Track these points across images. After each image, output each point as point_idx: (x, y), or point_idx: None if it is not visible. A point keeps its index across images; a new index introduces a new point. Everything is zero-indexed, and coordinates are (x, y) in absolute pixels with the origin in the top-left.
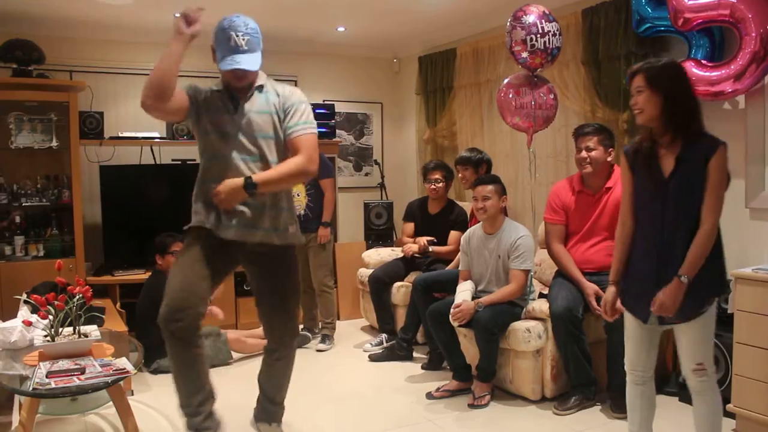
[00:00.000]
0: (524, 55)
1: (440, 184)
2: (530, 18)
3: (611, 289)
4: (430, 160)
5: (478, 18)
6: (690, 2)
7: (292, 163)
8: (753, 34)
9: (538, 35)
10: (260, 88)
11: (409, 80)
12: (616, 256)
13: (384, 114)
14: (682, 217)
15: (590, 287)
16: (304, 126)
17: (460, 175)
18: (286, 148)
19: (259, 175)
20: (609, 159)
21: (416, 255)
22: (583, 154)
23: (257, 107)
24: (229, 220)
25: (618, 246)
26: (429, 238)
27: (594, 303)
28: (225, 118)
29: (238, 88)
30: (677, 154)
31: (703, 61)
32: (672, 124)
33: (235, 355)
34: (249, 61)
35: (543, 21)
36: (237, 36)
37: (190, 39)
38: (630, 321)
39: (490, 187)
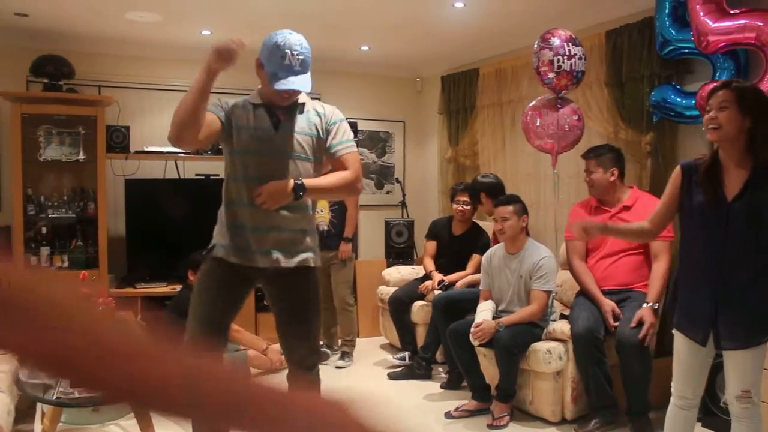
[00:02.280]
0: (551, 75)
1: (468, 207)
2: (557, 41)
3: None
4: (460, 182)
5: (501, 38)
6: (714, 25)
7: (341, 177)
8: None
9: (565, 57)
10: (301, 107)
11: (431, 99)
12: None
13: (406, 133)
14: (745, 240)
15: (607, 304)
16: (349, 144)
17: (482, 203)
18: (319, 170)
19: (309, 181)
20: (612, 179)
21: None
22: (586, 177)
23: (299, 128)
24: (261, 247)
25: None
26: (441, 278)
27: (611, 320)
28: (265, 137)
29: (278, 105)
30: (746, 178)
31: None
32: (750, 146)
33: (252, 370)
34: (302, 83)
35: (570, 44)
36: (292, 54)
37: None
38: (682, 344)
39: (510, 208)
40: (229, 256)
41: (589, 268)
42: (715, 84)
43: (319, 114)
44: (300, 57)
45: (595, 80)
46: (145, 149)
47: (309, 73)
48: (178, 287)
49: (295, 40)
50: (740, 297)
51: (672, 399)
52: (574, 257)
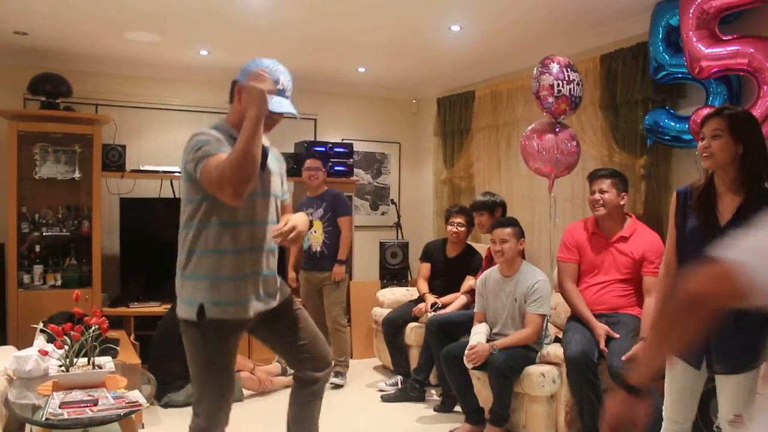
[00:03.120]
0: (550, 100)
1: (462, 229)
2: (556, 66)
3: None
4: (454, 204)
5: (497, 61)
6: (707, 50)
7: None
8: None
9: (564, 82)
10: (267, 147)
11: (427, 121)
12: (659, 300)
13: (402, 154)
14: None
15: (601, 328)
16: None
17: (476, 221)
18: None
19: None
20: (622, 203)
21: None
22: (597, 196)
23: (274, 167)
24: (262, 293)
25: (661, 289)
26: (434, 301)
27: (603, 344)
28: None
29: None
30: (740, 203)
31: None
32: (744, 173)
33: (245, 392)
34: (293, 108)
35: (568, 69)
36: (284, 80)
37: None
38: (676, 368)
39: (508, 230)
40: (224, 314)
41: (580, 290)
42: (708, 111)
43: (277, 158)
44: (290, 83)
45: (590, 104)
46: (141, 168)
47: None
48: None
49: (282, 67)
50: (733, 322)
51: (664, 424)
52: (566, 280)
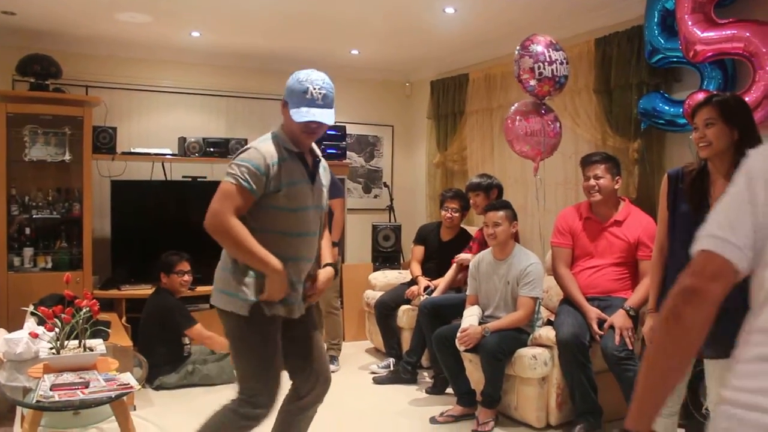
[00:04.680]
0: (532, 83)
1: (456, 214)
2: (537, 47)
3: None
4: (449, 188)
5: (491, 44)
6: (702, 35)
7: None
8: (762, 68)
9: (546, 63)
10: (319, 158)
11: (420, 104)
12: (655, 282)
13: (395, 137)
14: None
15: (593, 311)
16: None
17: (471, 201)
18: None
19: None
20: (616, 187)
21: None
22: (592, 182)
23: (324, 180)
24: (297, 300)
25: (655, 272)
26: (427, 284)
27: (596, 327)
28: (305, 189)
29: (305, 152)
30: None
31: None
32: (741, 158)
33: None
34: (325, 116)
35: (551, 50)
36: (314, 89)
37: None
38: None
39: (500, 213)
40: (293, 314)
41: (574, 274)
42: (699, 99)
43: (325, 168)
44: (322, 92)
45: (584, 87)
46: (132, 150)
47: (333, 110)
48: None
49: (317, 76)
50: (722, 306)
51: None
52: (559, 264)
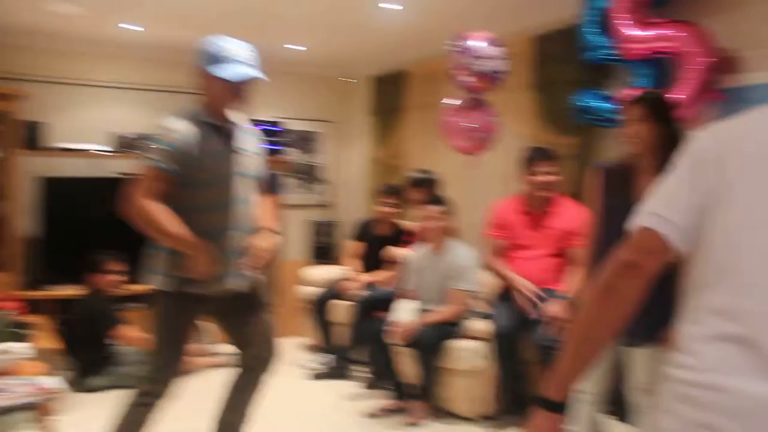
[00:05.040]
0: (467, 79)
1: (392, 209)
2: (473, 42)
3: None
4: (385, 184)
5: (431, 40)
6: (632, 33)
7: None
8: (693, 67)
9: (482, 59)
10: (240, 125)
11: (360, 100)
12: (588, 273)
13: (334, 133)
14: None
15: (526, 288)
16: None
17: (409, 196)
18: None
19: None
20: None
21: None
22: (545, 177)
23: (250, 145)
24: (229, 273)
25: (589, 263)
26: (369, 279)
27: (534, 299)
28: (226, 158)
29: (221, 122)
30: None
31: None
32: (667, 154)
33: None
34: (261, 73)
35: (487, 45)
36: (238, 49)
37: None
38: None
39: (437, 208)
40: (191, 287)
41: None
42: (630, 97)
43: (253, 133)
44: (249, 51)
45: (521, 84)
46: (63, 146)
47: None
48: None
49: (233, 40)
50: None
51: (578, 396)
52: (493, 255)
